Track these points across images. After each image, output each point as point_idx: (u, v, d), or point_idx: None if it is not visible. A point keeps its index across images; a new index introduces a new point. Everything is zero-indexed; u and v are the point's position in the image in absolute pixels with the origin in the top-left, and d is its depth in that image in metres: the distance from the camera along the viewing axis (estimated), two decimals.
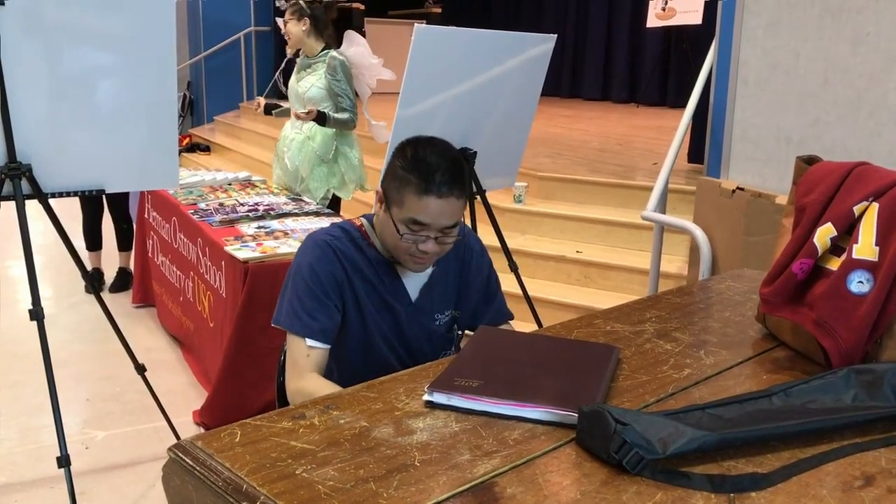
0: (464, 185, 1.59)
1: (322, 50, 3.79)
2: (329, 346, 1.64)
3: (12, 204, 2.33)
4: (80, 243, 4.39)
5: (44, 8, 2.29)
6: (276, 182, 4.10)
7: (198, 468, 1.01)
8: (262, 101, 4.09)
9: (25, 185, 2.35)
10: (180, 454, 1.05)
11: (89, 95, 2.45)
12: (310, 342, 1.61)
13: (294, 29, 3.75)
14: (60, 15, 2.33)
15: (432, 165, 1.55)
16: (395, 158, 1.61)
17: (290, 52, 3.92)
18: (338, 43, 3.90)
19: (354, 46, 3.86)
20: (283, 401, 1.77)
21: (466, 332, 1.85)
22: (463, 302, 1.80)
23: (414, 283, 1.73)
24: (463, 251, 1.78)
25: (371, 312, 1.68)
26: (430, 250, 1.59)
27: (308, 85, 3.78)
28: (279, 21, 3.90)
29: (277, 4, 4.09)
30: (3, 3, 2.19)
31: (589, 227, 4.48)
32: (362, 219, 1.75)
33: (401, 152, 1.61)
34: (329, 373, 1.67)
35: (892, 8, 2.60)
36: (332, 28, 3.90)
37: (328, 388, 1.52)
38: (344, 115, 3.73)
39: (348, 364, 1.70)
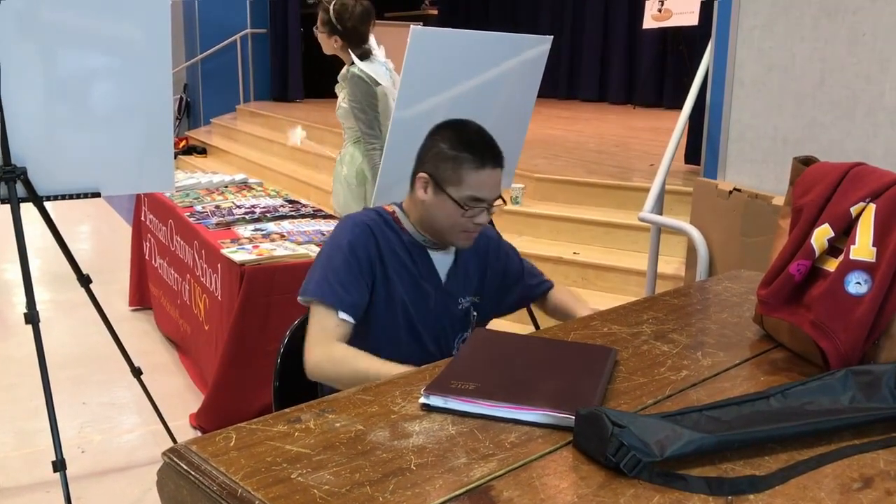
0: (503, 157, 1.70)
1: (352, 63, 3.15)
2: (354, 324, 1.66)
3: (8, 207, 2.33)
4: (76, 246, 4.37)
5: (39, 9, 2.29)
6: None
7: (192, 473, 1.01)
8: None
9: (21, 188, 2.34)
10: (174, 459, 1.04)
11: (85, 98, 2.45)
12: (342, 315, 1.63)
13: (324, 44, 3.18)
14: (55, 16, 2.32)
15: (479, 142, 1.66)
16: (437, 142, 1.68)
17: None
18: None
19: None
20: (279, 404, 1.76)
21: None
22: (486, 288, 1.86)
23: (442, 266, 1.79)
24: (480, 240, 1.82)
25: (400, 292, 1.72)
26: (483, 221, 1.70)
27: (337, 105, 3.26)
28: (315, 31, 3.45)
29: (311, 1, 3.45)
30: None
31: (586, 228, 4.47)
32: (393, 205, 1.80)
33: (439, 135, 1.69)
34: None
35: (889, 8, 2.60)
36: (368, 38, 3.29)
37: (361, 356, 1.56)
38: (368, 152, 3.09)
39: (373, 341, 1.70)
